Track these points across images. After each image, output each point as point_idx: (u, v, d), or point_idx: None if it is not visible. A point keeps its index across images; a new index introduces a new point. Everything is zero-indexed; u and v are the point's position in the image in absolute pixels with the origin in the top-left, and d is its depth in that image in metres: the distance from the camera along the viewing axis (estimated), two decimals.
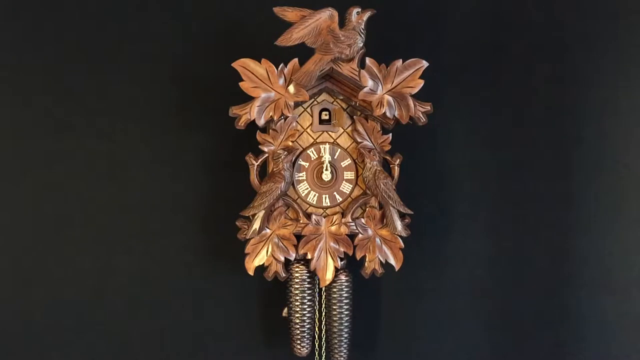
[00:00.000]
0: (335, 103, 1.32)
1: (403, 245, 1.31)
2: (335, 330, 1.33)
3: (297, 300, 1.31)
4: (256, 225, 1.27)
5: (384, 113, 1.27)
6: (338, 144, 1.32)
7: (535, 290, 1.46)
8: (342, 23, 1.24)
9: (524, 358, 1.46)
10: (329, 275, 1.30)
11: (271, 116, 1.25)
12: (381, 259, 1.31)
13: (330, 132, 1.32)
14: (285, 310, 1.34)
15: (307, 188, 1.31)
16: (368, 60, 1.26)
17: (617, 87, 1.47)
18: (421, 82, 1.27)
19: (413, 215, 1.31)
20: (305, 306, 1.31)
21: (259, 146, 1.28)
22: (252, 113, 1.24)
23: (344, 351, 1.33)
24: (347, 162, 1.32)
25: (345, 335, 1.33)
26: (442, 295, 1.45)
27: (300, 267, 1.31)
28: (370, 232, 1.31)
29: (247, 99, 1.25)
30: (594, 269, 1.46)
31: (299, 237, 1.30)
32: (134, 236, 1.41)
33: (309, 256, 1.30)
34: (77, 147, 1.41)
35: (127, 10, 1.43)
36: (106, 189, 1.41)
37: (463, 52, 1.47)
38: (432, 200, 1.45)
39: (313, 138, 1.32)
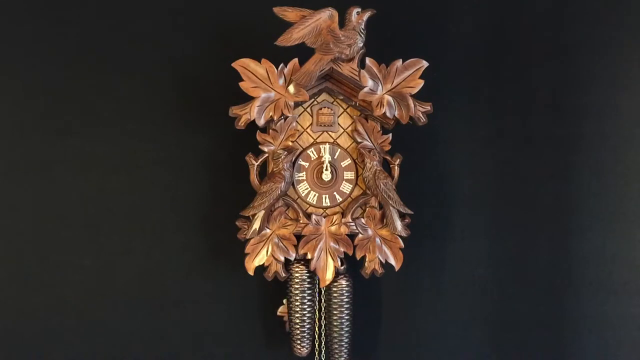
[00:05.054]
0: (335, 103, 1.32)
1: (403, 245, 1.31)
2: (336, 334, 1.33)
3: (297, 300, 1.31)
4: (256, 225, 1.27)
5: (384, 113, 1.27)
6: (338, 144, 1.32)
7: (535, 290, 1.46)
8: (342, 23, 1.24)
9: (524, 358, 1.46)
10: (329, 275, 1.30)
11: (271, 116, 1.25)
12: (381, 259, 1.31)
13: (330, 132, 1.32)
14: (281, 308, 1.34)
15: (307, 188, 1.31)
16: (368, 60, 1.26)
17: (617, 87, 1.47)
18: (421, 82, 1.27)
19: (413, 215, 1.31)
20: (305, 306, 1.31)
21: (259, 146, 1.28)
22: (252, 113, 1.24)
23: (345, 354, 1.33)
24: (347, 162, 1.32)
25: (346, 340, 1.33)
26: (442, 295, 1.45)
27: (300, 267, 1.31)
28: (370, 232, 1.31)
29: (247, 99, 1.25)
30: (594, 269, 1.46)
31: (299, 237, 1.30)
32: (134, 236, 1.41)
33: (309, 256, 1.30)
34: (78, 148, 1.41)
35: (128, 11, 1.43)
36: (106, 189, 1.41)
37: (463, 52, 1.47)
38: (432, 200, 1.45)
39: (313, 138, 1.32)
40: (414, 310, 1.45)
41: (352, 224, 1.31)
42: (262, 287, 1.40)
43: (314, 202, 1.32)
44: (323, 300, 1.34)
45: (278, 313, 1.36)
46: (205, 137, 1.42)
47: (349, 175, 1.32)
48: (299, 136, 1.32)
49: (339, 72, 1.26)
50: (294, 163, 1.30)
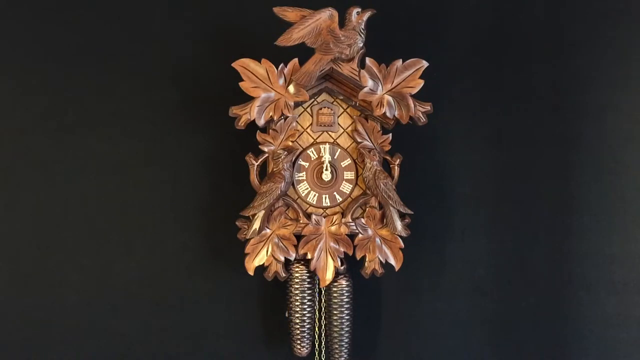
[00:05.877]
0: (335, 103, 1.32)
1: (403, 245, 1.31)
2: (336, 334, 1.33)
3: (297, 300, 1.31)
4: (256, 225, 1.27)
5: (384, 113, 1.27)
6: (338, 144, 1.32)
7: (535, 290, 1.46)
8: (342, 23, 1.24)
9: (524, 358, 1.46)
10: (329, 275, 1.30)
11: (271, 116, 1.25)
12: (381, 259, 1.31)
13: (330, 132, 1.32)
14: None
15: (307, 188, 1.31)
16: (368, 60, 1.26)
17: (617, 87, 1.47)
18: (421, 82, 1.27)
19: (413, 215, 1.31)
20: (305, 306, 1.31)
21: (259, 146, 1.28)
22: (252, 113, 1.24)
23: (345, 354, 1.33)
24: (347, 162, 1.32)
25: (346, 340, 1.33)
26: (442, 295, 1.45)
27: (300, 267, 1.31)
28: (370, 232, 1.31)
29: (247, 99, 1.25)
30: (594, 269, 1.46)
31: (299, 237, 1.30)
32: (134, 236, 1.41)
33: (309, 256, 1.30)
34: (77, 147, 1.41)
35: (128, 10, 1.43)
36: (106, 189, 1.41)
37: (463, 52, 1.47)
38: (432, 200, 1.45)
39: (313, 138, 1.32)
40: (414, 310, 1.45)
41: (352, 224, 1.31)
42: (262, 287, 1.40)
43: (314, 202, 1.32)
44: (323, 300, 1.35)
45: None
46: (205, 137, 1.42)
47: (349, 175, 1.32)
48: (299, 136, 1.32)
49: (339, 72, 1.26)
50: (294, 163, 1.30)
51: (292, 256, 1.30)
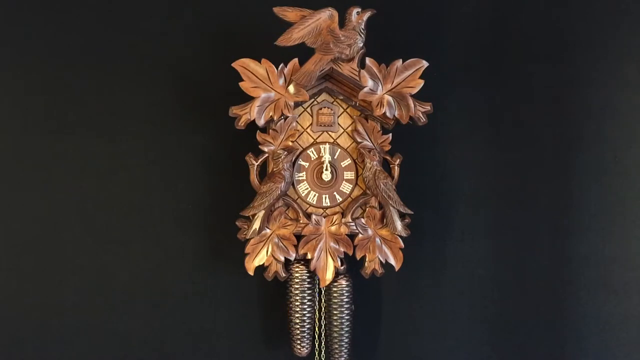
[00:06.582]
0: (335, 103, 1.32)
1: (403, 245, 1.31)
2: (336, 334, 1.33)
3: (297, 300, 1.31)
4: (256, 225, 1.27)
5: (384, 113, 1.27)
6: (338, 144, 1.32)
7: (535, 290, 1.46)
8: (342, 23, 1.24)
9: (524, 358, 1.46)
10: (329, 275, 1.30)
11: (271, 116, 1.25)
12: (381, 259, 1.30)
13: (330, 132, 1.32)
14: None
15: (307, 188, 1.31)
16: (368, 60, 1.26)
17: (617, 87, 1.47)
18: (421, 82, 1.27)
19: (413, 215, 1.31)
20: (305, 306, 1.31)
21: (259, 146, 1.28)
22: (252, 113, 1.24)
23: (345, 354, 1.33)
24: (347, 162, 1.32)
25: (346, 340, 1.33)
26: (442, 295, 1.45)
27: (300, 267, 1.31)
28: (370, 232, 1.31)
29: (247, 99, 1.25)
30: (594, 269, 1.46)
31: (299, 237, 1.30)
32: (133, 236, 1.41)
33: (309, 256, 1.29)
34: (77, 147, 1.41)
35: (127, 11, 1.43)
36: (106, 189, 1.41)
37: (463, 52, 1.47)
38: (432, 200, 1.45)
39: (313, 138, 1.32)
40: (414, 310, 1.45)
41: (352, 224, 1.31)
42: (262, 287, 1.40)
43: (314, 202, 1.32)
44: (323, 300, 1.35)
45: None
46: (205, 137, 1.42)
47: (349, 175, 1.32)
48: (299, 136, 1.32)
49: (339, 72, 1.26)
50: (294, 163, 1.30)
51: (292, 256, 1.30)
